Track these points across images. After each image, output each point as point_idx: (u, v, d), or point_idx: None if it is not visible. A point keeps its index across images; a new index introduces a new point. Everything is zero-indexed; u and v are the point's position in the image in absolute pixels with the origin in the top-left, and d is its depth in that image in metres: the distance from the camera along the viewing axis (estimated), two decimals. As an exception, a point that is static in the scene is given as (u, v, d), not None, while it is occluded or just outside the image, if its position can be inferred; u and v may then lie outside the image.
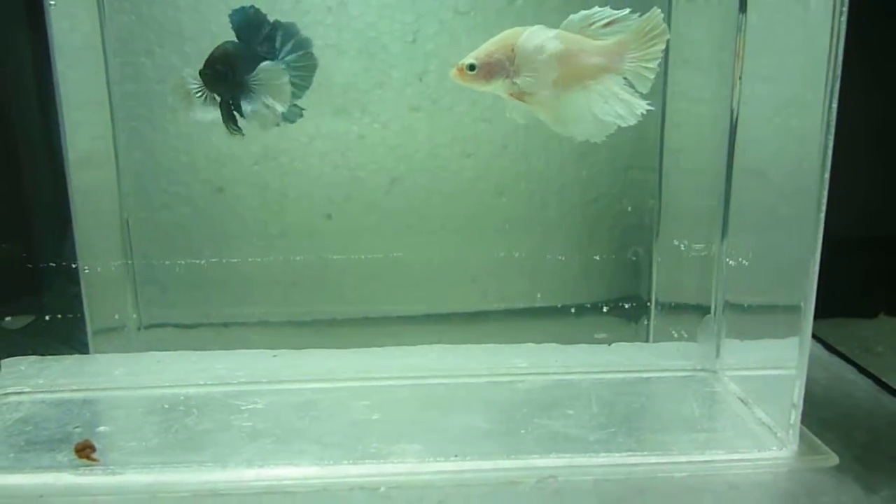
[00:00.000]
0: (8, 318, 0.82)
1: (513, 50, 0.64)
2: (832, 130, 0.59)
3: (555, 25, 0.81)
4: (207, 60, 0.68)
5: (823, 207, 0.60)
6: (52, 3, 0.79)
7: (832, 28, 0.58)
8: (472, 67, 0.64)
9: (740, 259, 0.75)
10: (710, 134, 0.80)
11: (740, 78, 0.75)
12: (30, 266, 0.81)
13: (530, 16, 0.83)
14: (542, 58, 0.64)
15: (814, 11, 0.62)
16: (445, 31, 0.82)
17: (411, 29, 0.82)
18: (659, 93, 0.83)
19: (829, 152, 0.59)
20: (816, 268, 0.61)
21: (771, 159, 0.72)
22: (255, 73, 0.68)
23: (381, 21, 0.82)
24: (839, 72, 0.58)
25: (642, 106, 0.65)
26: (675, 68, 0.82)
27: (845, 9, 0.57)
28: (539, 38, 0.64)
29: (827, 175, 0.60)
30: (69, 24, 0.80)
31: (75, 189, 0.83)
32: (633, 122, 0.65)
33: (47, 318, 0.83)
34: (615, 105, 0.65)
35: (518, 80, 0.64)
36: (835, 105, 0.59)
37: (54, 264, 0.82)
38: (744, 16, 0.73)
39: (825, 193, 0.60)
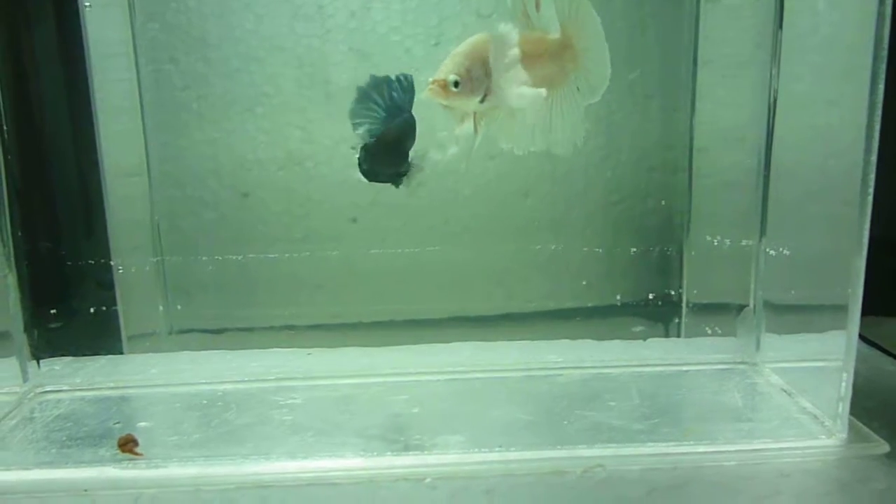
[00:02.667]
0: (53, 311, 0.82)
1: (486, 61, 0.59)
2: (877, 128, 0.58)
3: None
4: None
5: (869, 203, 0.60)
6: (87, 4, 0.79)
7: (877, 25, 0.57)
8: (456, 84, 0.59)
9: (781, 249, 0.74)
10: (742, 133, 0.80)
11: (776, 76, 0.74)
12: (68, 265, 0.82)
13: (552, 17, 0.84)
14: (515, 68, 0.59)
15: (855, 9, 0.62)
16: (468, 34, 0.80)
17: (434, 32, 0.82)
18: (688, 92, 0.83)
19: (875, 150, 0.59)
20: (864, 261, 0.60)
21: (810, 157, 0.72)
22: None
23: (405, 25, 0.82)
24: (884, 67, 0.58)
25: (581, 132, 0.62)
26: (702, 69, 0.82)
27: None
28: (507, 45, 0.59)
29: (873, 173, 0.59)
30: (103, 30, 0.81)
31: (110, 193, 0.83)
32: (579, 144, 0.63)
33: (83, 321, 0.84)
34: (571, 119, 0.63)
35: (491, 95, 0.60)
36: (880, 102, 0.58)
37: (90, 262, 0.83)
38: (779, 16, 0.73)
39: (871, 190, 0.59)
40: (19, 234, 0.76)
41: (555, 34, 0.62)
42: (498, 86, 0.59)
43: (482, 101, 0.60)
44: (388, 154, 0.66)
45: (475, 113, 0.63)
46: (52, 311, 0.81)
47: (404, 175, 0.68)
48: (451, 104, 0.61)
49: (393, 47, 0.82)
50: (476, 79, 0.59)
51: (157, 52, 0.82)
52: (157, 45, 0.82)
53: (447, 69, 0.59)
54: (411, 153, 0.67)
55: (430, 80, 0.60)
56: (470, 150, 0.63)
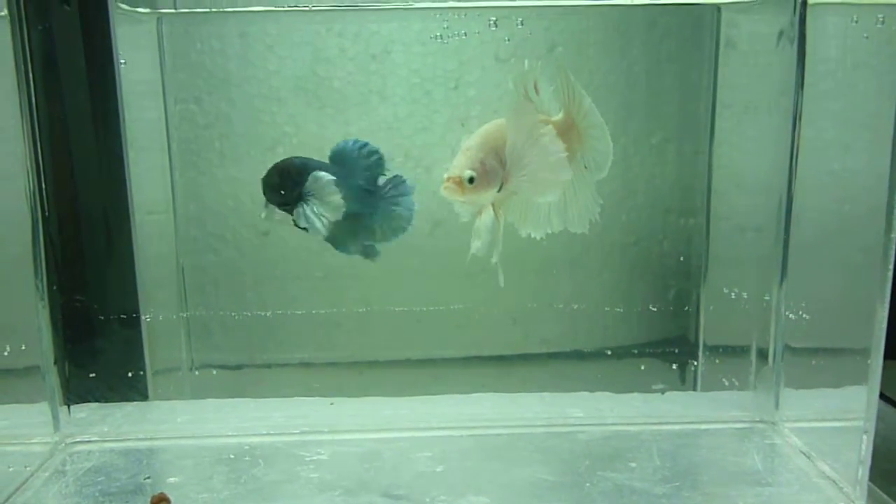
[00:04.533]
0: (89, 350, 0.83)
1: (500, 150, 0.60)
2: None
3: (592, 72, 0.84)
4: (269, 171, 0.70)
5: (892, 256, 0.60)
6: (123, 62, 0.82)
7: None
8: (471, 180, 0.58)
9: (801, 312, 0.75)
10: (761, 178, 0.81)
11: (797, 121, 0.75)
12: (96, 311, 0.84)
13: (569, 64, 0.85)
14: (535, 155, 0.60)
15: (877, 54, 0.63)
16: (487, 77, 0.84)
17: (454, 76, 0.84)
18: (706, 136, 0.85)
19: None
20: (885, 317, 0.61)
21: (828, 202, 0.73)
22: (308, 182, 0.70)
23: (424, 68, 0.84)
24: None
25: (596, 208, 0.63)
26: (721, 113, 0.83)
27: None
28: (524, 131, 0.59)
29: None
30: (136, 71, 0.83)
31: (138, 230, 0.85)
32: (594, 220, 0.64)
33: (109, 358, 0.85)
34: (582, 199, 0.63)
35: (510, 186, 0.60)
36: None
37: (119, 310, 0.84)
38: (800, 63, 0.74)
39: (894, 240, 0.60)
40: (54, 287, 0.78)
41: (557, 115, 0.63)
42: (518, 171, 0.60)
43: (499, 190, 0.61)
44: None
45: (493, 203, 0.63)
46: (82, 350, 0.83)
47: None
48: (469, 200, 0.61)
49: (413, 90, 0.84)
50: (491, 170, 0.60)
51: (181, 91, 0.84)
52: (180, 84, 0.84)
53: (461, 165, 0.59)
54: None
55: (445, 176, 0.60)
56: (497, 240, 0.64)
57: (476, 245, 0.65)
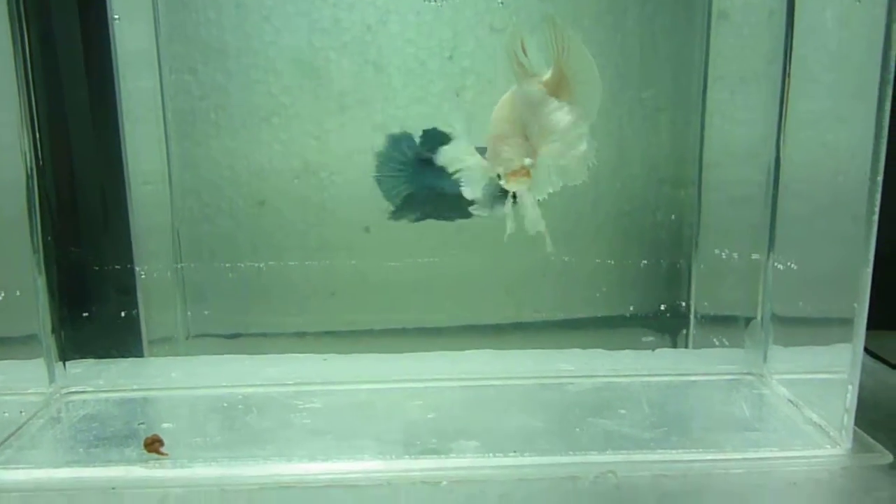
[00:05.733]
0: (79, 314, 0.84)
1: (523, 127, 0.61)
2: (884, 142, 0.60)
3: (585, 43, 0.85)
4: None
5: (876, 216, 0.61)
6: (116, 17, 0.82)
7: (885, 39, 0.59)
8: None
9: (789, 264, 0.76)
10: (751, 148, 0.81)
11: (785, 91, 0.76)
12: (94, 269, 0.84)
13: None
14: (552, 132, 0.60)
15: (870, 24, 0.63)
16: (482, 48, 0.84)
17: (449, 46, 0.84)
18: (697, 108, 0.85)
19: (881, 165, 0.60)
20: (870, 274, 0.62)
21: (818, 172, 0.74)
22: None
23: (420, 38, 0.84)
24: (890, 89, 0.59)
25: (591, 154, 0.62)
26: (713, 84, 0.84)
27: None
28: (534, 110, 0.60)
29: (879, 186, 0.61)
30: (131, 40, 0.83)
31: (134, 199, 0.85)
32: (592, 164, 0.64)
33: (106, 325, 0.86)
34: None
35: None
36: (886, 116, 0.60)
37: (115, 267, 0.85)
38: (790, 34, 0.75)
39: (877, 203, 0.61)
40: (49, 238, 0.78)
41: (547, 73, 0.63)
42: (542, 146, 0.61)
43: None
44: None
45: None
46: (79, 315, 0.83)
47: None
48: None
49: (408, 60, 0.84)
50: (522, 146, 0.61)
51: (177, 61, 0.84)
52: (177, 56, 0.84)
53: (517, 154, 0.60)
54: None
55: (505, 173, 0.61)
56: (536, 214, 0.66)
57: (511, 226, 0.67)
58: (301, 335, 0.90)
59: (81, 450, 0.67)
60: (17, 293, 0.77)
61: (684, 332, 0.89)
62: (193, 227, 0.87)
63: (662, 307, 0.90)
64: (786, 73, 0.76)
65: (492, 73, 0.84)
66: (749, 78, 0.82)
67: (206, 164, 0.86)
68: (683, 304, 0.89)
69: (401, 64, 0.84)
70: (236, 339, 0.90)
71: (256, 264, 0.88)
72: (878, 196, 0.61)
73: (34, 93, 0.78)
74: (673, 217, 0.89)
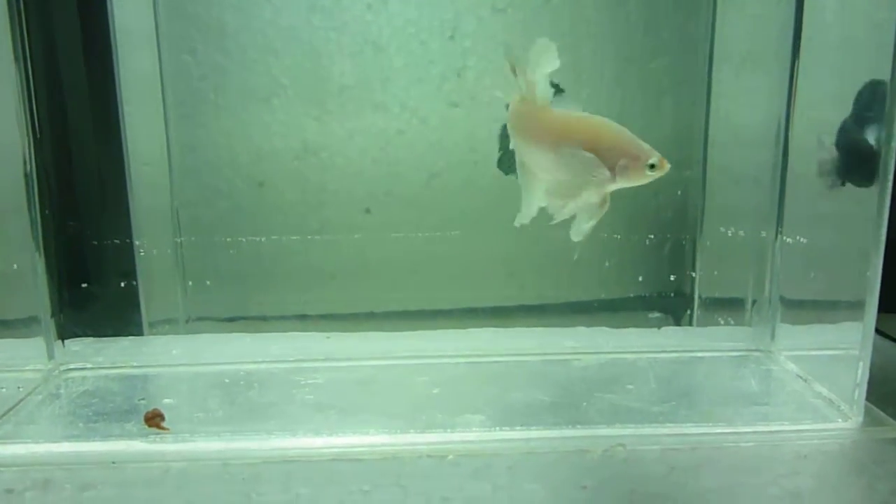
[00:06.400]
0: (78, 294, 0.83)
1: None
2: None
3: (589, 23, 0.83)
4: None
5: (888, 196, 0.60)
6: None
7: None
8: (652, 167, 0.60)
9: (798, 237, 0.75)
10: (758, 128, 0.80)
11: (795, 73, 0.75)
12: (93, 246, 0.83)
13: (566, 14, 0.84)
14: None
15: (877, 4, 0.62)
16: (483, 27, 0.83)
17: (450, 25, 0.83)
18: (703, 88, 0.84)
19: (894, 152, 0.59)
20: (882, 250, 0.61)
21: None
22: None
23: (421, 18, 0.83)
24: None
25: None
26: (718, 65, 0.83)
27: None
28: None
29: (892, 166, 0.60)
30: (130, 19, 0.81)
31: (133, 180, 0.84)
32: None
33: (106, 307, 0.85)
34: None
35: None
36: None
37: (114, 244, 0.84)
38: (798, 14, 0.74)
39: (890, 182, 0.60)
40: (46, 212, 0.77)
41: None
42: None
43: None
44: None
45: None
46: (78, 294, 0.82)
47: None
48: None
49: (409, 40, 0.83)
50: None
51: (176, 42, 0.82)
52: (175, 36, 0.82)
53: (649, 150, 0.59)
54: None
55: (650, 162, 0.60)
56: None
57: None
58: (302, 318, 0.89)
59: (81, 424, 0.66)
60: (15, 266, 0.75)
61: (689, 311, 0.89)
62: (193, 209, 0.86)
63: (667, 287, 0.89)
64: (795, 54, 0.75)
65: (493, 53, 0.83)
66: (756, 58, 0.81)
67: (206, 146, 0.85)
68: (688, 283, 0.88)
69: (401, 44, 0.83)
70: (236, 321, 0.89)
71: (257, 245, 0.87)
72: (892, 166, 0.60)
73: (32, 73, 0.76)
74: (678, 199, 0.87)
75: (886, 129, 0.59)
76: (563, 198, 0.62)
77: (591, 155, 0.59)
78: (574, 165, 0.60)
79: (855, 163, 0.68)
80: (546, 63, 0.60)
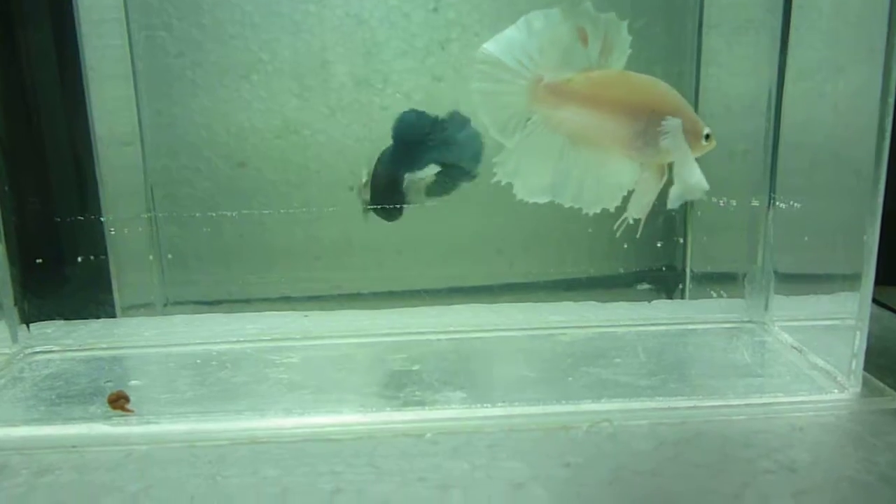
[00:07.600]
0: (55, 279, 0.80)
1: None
2: (892, 101, 0.57)
3: None
4: None
5: (884, 166, 0.58)
6: None
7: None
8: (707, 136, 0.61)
9: (792, 203, 0.72)
10: (749, 99, 0.77)
11: (787, 41, 0.72)
12: (58, 219, 0.80)
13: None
14: None
15: None
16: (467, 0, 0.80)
17: None
18: (693, 58, 0.82)
19: (890, 120, 0.57)
20: (879, 218, 0.59)
21: (819, 125, 0.70)
22: None
23: None
24: None
25: None
26: (708, 33, 0.80)
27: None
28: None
29: (887, 139, 0.58)
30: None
31: (102, 161, 0.81)
32: None
33: (76, 295, 0.82)
34: None
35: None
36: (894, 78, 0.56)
37: (83, 224, 0.81)
38: None
39: (885, 153, 0.58)
40: (6, 188, 0.73)
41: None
42: None
43: None
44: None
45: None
46: (47, 279, 0.79)
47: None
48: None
49: (391, 12, 0.80)
50: None
51: (150, 17, 0.79)
52: (149, 11, 0.79)
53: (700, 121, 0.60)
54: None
55: (706, 132, 0.61)
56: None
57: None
58: (286, 300, 0.86)
59: (43, 408, 0.63)
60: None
61: (680, 286, 0.86)
62: (170, 189, 0.83)
63: (658, 267, 0.86)
64: (786, 22, 0.72)
65: (478, 26, 0.80)
66: (747, 26, 0.78)
67: (183, 124, 0.83)
68: (680, 258, 0.86)
69: (383, 16, 0.80)
70: (217, 305, 0.87)
71: (237, 226, 0.84)
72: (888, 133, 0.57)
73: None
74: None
75: (883, 90, 0.56)
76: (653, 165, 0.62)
77: (678, 120, 0.60)
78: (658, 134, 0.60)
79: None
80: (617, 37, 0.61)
